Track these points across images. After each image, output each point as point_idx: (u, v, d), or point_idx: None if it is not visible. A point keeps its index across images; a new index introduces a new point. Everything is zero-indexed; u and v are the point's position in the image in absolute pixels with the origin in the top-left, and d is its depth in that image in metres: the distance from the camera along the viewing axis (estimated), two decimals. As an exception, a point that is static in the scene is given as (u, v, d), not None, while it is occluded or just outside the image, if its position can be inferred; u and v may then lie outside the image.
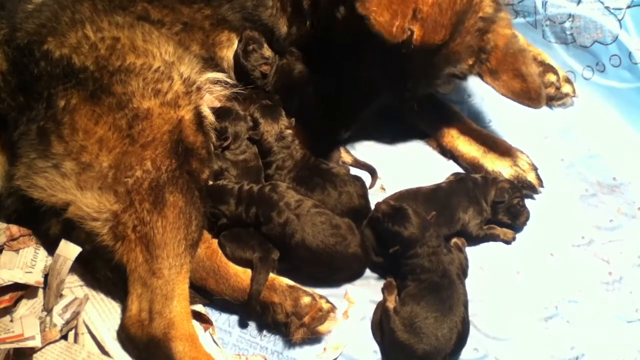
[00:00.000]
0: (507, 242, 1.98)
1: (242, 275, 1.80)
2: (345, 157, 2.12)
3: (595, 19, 2.27)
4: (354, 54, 1.85)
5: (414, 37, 1.68)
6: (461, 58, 1.83)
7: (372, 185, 2.08)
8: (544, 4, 2.35)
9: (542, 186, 2.07)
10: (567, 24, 2.33)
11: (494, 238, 1.98)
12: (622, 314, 1.84)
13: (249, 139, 2.00)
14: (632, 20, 2.23)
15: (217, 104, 2.02)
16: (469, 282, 1.81)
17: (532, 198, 2.07)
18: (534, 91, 1.86)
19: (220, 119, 1.95)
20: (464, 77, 1.93)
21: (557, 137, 2.27)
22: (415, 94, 1.91)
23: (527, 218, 1.97)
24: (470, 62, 1.86)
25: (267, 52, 2.08)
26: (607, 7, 2.25)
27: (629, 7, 2.23)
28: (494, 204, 1.94)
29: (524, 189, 2.03)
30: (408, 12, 1.63)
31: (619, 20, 2.25)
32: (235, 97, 2.06)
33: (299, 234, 1.77)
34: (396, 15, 1.60)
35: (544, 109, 2.31)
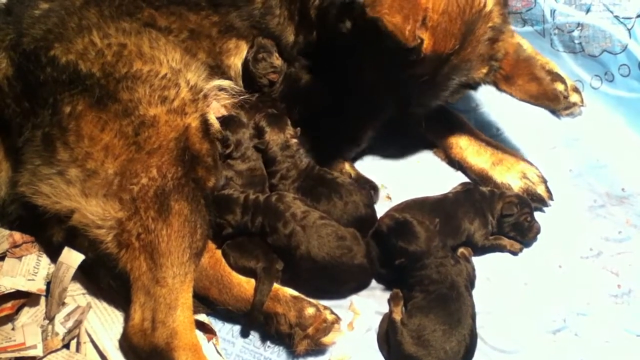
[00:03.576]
0: (514, 253, 1.96)
1: (245, 285, 1.78)
2: (349, 170, 2.09)
3: (604, 28, 2.26)
4: (361, 64, 1.84)
5: (424, 45, 1.67)
6: (472, 67, 1.82)
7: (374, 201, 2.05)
8: (553, 13, 2.34)
9: (551, 199, 2.05)
10: (576, 33, 2.32)
11: (501, 248, 1.96)
12: (632, 327, 1.81)
13: (254, 147, 1.99)
14: (641, 30, 2.22)
15: (224, 112, 2.01)
16: (476, 294, 1.78)
17: (542, 211, 2.05)
18: (551, 92, 1.86)
19: (222, 127, 1.94)
20: (476, 86, 1.92)
21: (565, 147, 2.25)
22: (421, 105, 1.89)
23: (537, 233, 1.94)
24: (484, 70, 1.85)
25: (277, 61, 2.08)
26: (616, 17, 2.24)
27: (638, 16, 2.22)
28: (501, 217, 1.92)
29: (533, 202, 2.00)
30: (418, 18, 1.63)
31: (629, 30, 2.23)
32: (241, 105, 2.06)
33: (305, 246, 1.76)
34: (408, 19, 1.59)
35: (552, 118, 2.32)
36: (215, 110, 1.95)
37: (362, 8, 1.59)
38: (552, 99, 1.87)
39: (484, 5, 1.75)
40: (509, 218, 1.92)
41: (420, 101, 1.86)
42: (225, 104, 2.02)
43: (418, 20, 1.63)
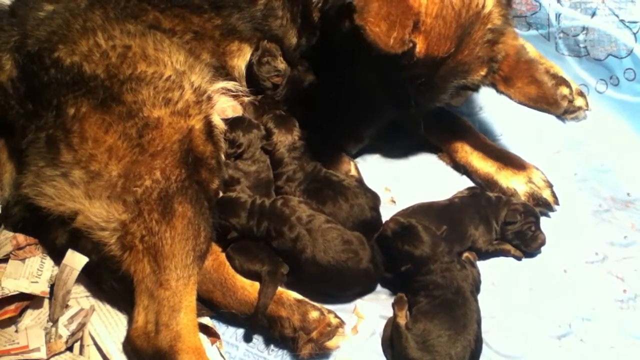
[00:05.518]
0: (518, 258, 1.95)
1: (249, 288, 1.77)
2: (355, 174, 2.08)
3: (610, 32, 2.25)
4: (360, 66, 1.83)
5: (417, 49, 1.66)
6: (470, 69, 1.80)
7: None
8: (558, 17, 2.33)
9: (557, 204, 2.04)
10: (581, 37, 2.31)
11: (505, 253, 1.95)
12: (637, 332, 1.80)
13: (262, 148, 1.99)
14: (646, 34, 2.22)
15: (229, 113, 2.01)
16: (481, 299, 1.77)
17: (547, 216, 2.04)
18: (551, 96, 1.83)
19: (232, 128, 1.95)
20: (475, 87, 1.90)
21: (570, 152, 2.24)
22: (420, 108, 1.89)
23: (542, 244, 1.92)
24: (483, 72, 1.83)
25: (281, 64, 2.08)
26: (622, 20, 2.24)
27: (644, 20, 2.22)
28: (504, 224, 1.91)
29: (538, 206, 1.99)
30: (408, 24, 1.61)
31: (634, 34, 2.23)
32: (246, 107, 2.05)
33: (310, 250, 1.75)
34: (394, 26, 1.57)
35: (557, 122, 2.31)
36: (220, 111, 1.95)
37: (351, 13, 1.58)
38: (552, 103, 1.84)
39: (483, 7, 1.73)
40: (511, 226, 1.90)
41: (417, 103, 1.85)
42: (230, 106, 2.02)
43: (408, 26, 1.61)
